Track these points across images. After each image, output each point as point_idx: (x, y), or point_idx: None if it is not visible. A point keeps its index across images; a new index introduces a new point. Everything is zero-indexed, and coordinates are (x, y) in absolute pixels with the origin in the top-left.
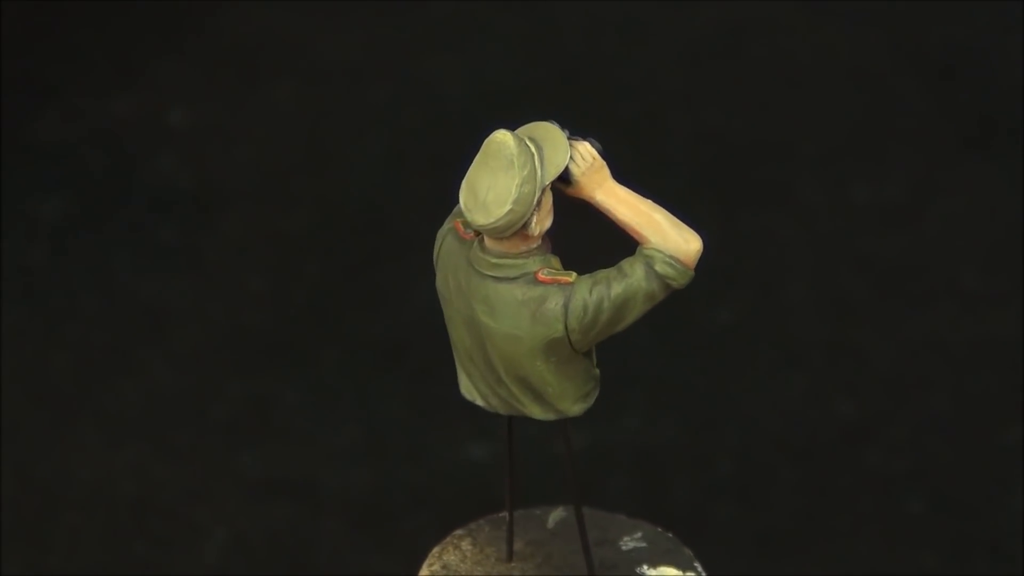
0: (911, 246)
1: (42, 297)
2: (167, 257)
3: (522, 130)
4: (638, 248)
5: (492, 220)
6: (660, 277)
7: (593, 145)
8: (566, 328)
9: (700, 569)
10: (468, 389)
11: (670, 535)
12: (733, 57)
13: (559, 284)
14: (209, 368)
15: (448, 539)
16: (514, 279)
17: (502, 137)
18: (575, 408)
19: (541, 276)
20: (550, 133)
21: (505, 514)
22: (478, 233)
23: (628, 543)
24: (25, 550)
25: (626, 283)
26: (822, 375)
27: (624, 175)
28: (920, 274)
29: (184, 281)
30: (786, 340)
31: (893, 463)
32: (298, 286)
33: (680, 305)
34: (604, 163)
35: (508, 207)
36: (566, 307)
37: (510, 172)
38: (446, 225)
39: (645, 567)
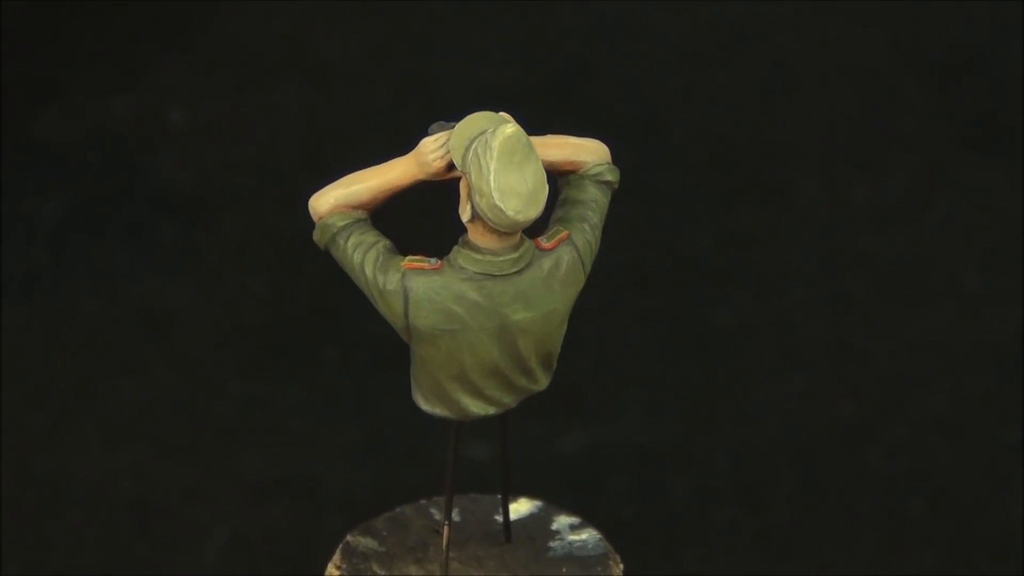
0: (911, 246)
1: (42, 297)
2: (167, 257)
3: (470, 125)
4: (572, 176)
5: (543, 206)
6: (610, 185)
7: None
8: (584, 274)
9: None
10: (479, 407)
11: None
12: (733, 57)
13: (562, 242)
14: (209, 368)
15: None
16: (531, 262)
17: (513, 130)
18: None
19: (544, 244)
20: (493, 118)
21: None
22: (441, 259)
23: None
24: (25, 550)
25: (596, 206)
26: (822, 375)
27: (624, 175)
28: (920, 274)
29: (184, 281)
30: (786, 340)
31: (893, 463)
32: (298, 286)
33: (680, 305)
34: None
35: (547, 187)
36: (579, 256)
37: (531, 157)
38: (391, 281)
39: (498, 517)
